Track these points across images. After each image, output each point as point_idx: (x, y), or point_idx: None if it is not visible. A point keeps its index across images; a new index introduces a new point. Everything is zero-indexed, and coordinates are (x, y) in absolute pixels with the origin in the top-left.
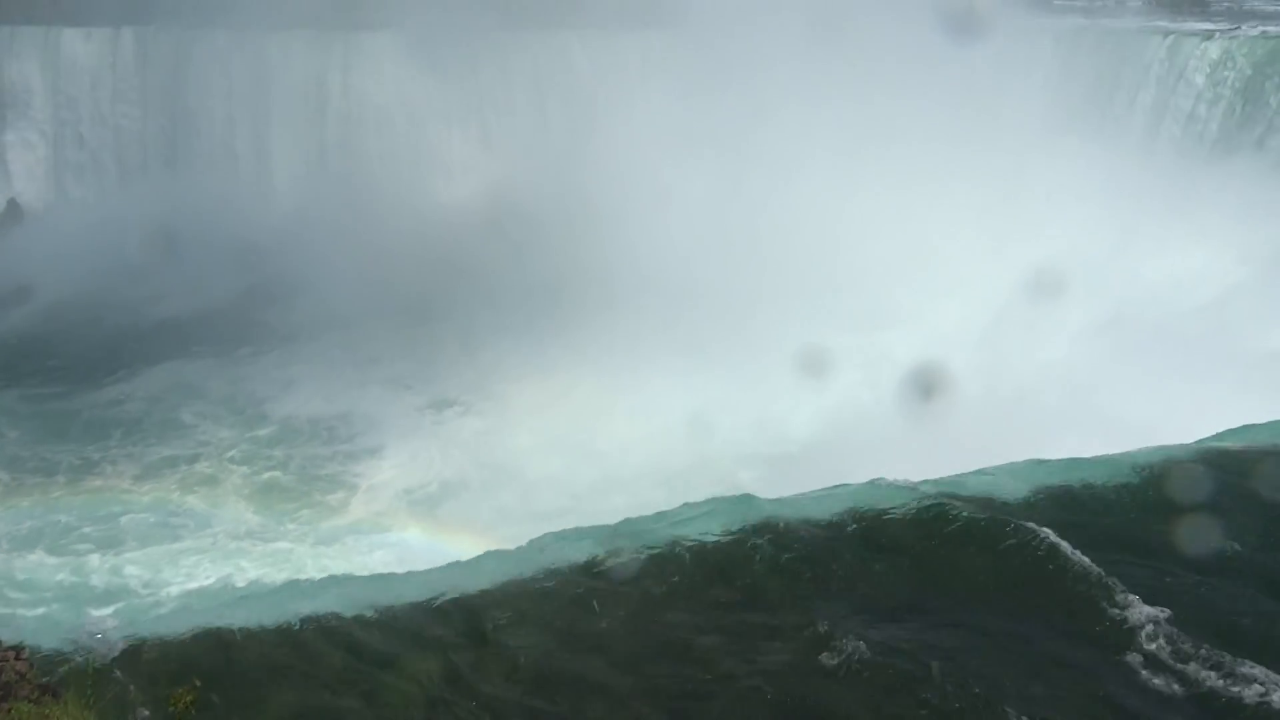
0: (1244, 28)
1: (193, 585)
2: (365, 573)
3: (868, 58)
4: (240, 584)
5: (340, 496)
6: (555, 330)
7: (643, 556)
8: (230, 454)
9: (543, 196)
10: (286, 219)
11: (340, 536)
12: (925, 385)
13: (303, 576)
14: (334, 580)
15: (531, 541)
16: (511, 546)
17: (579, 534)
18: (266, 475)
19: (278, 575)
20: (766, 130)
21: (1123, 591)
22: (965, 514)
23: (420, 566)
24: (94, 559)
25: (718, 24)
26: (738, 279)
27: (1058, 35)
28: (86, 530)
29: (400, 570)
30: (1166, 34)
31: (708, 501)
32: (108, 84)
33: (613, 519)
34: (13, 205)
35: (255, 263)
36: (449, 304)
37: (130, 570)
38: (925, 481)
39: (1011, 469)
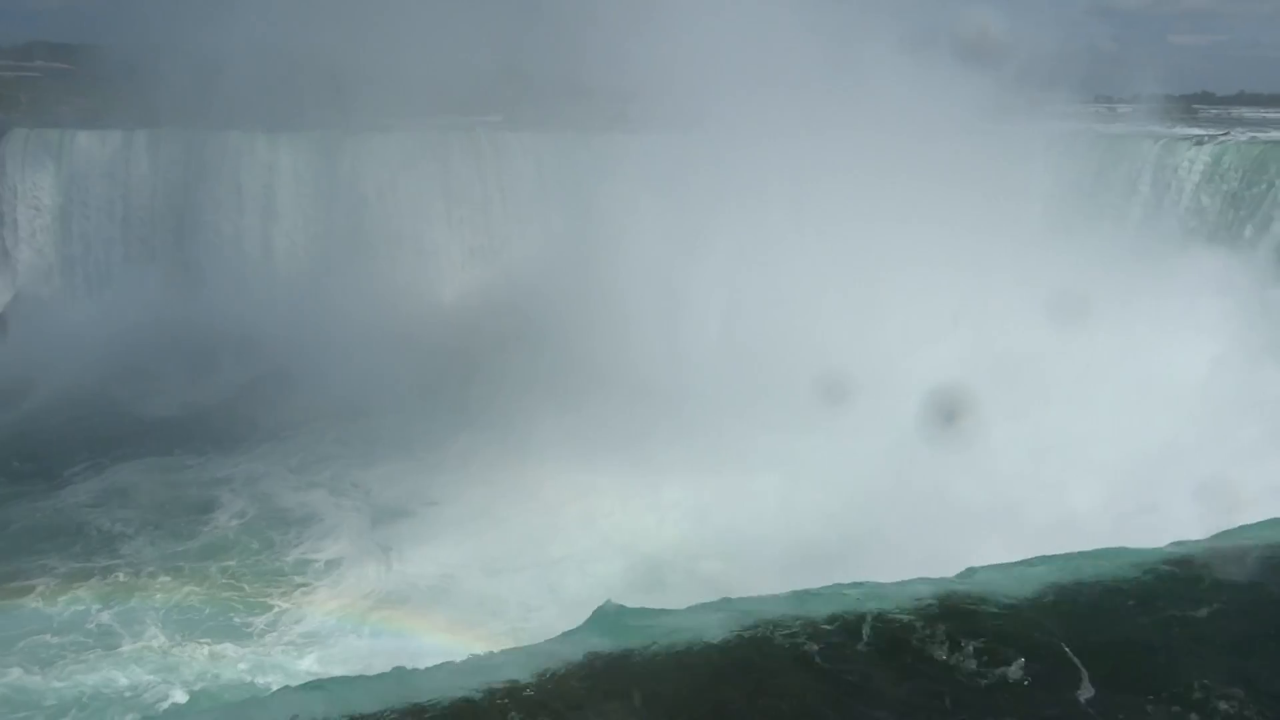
0: (1233, 133)
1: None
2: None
3: (862, 150)
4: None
5: (260, 621)
6: (537, 432)
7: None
8: (150, 567)
9: (543, 294)
10: (289, 315)
11: (237, 662)
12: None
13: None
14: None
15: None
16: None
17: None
18: (186, 589)
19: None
20: (762, 230)
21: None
22: (971, 615)
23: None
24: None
25: (720, 127)
26: (716, 382)
27: (1052, 138)
28: None
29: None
30: (1158, 139)
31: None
32: (120, 184)
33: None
34: (17, 301)
35: (256, 358)
36: (442, 400)
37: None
38: (920, 580)
39: (1005, 568)
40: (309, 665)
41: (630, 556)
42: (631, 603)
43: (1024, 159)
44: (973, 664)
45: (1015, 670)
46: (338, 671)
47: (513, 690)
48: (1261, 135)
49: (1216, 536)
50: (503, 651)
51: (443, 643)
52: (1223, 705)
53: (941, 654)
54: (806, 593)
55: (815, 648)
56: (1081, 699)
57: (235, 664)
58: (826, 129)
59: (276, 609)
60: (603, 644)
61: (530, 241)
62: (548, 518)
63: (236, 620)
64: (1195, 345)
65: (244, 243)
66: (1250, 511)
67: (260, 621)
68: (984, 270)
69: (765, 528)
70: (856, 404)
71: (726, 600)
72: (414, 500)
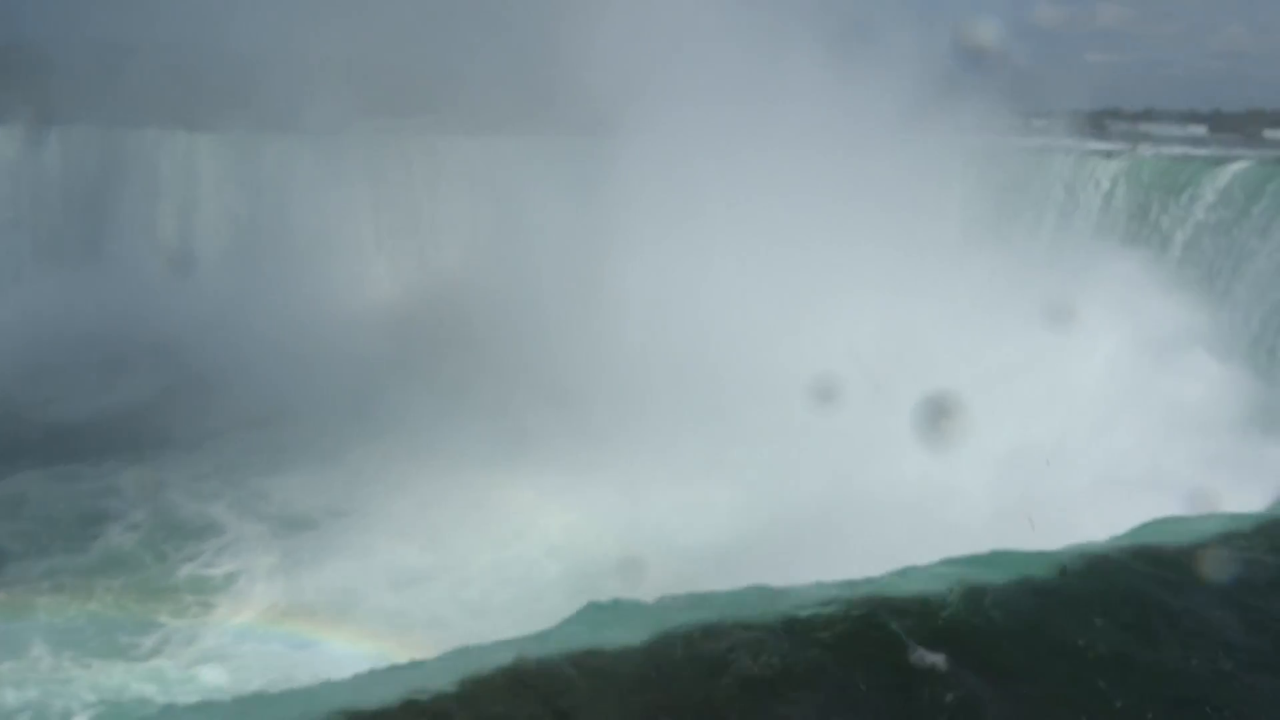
0: (1140, 148)
1: None
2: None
3: (787, 161)
4: None
5: (150, 639)
6: (459, 439)
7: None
8: (34, 583)
9: (468, 299)
10: (208, 318)
11: (126, 682)
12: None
13: None
14: None
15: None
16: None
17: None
18: (73, 607)
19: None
20: (686, 231)
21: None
22: (892, 617)
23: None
24: None
25: (649, 129)
26: (640, 387)
27: (972, 152)
28: None
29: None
30: (1071, 153)
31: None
32: (29, 181)
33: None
34: None
35: (173, 362)
36: (363, 407)
37: None
38: (843, 582)
39: (933, 568)
40: (202, 683)
41: (549, 566)
42: (553, 615)
43: (944, 172)
44: (908, 661)
45: (951, 664)
46: (228, 687)
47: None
48: (1166, 150)
49: (1120, 536)
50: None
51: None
52: (1134, 704)
53: (883, 652)
54: (764, 589)
55: (771, 643)
56: (1002, 698)
57: (124, 684)
58: (753, 137)
59: (168, 625)
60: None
61: (459, 245)
62: (463, 528)
63: (124, 639)
64: (1100, 350)
65: (161, 244)
66: (1147, 509)
67: (150, 640)
68: (902, 278)
69: (693, 534)
70: (779, 409)
71: (691, 595)
72: (323, 511)
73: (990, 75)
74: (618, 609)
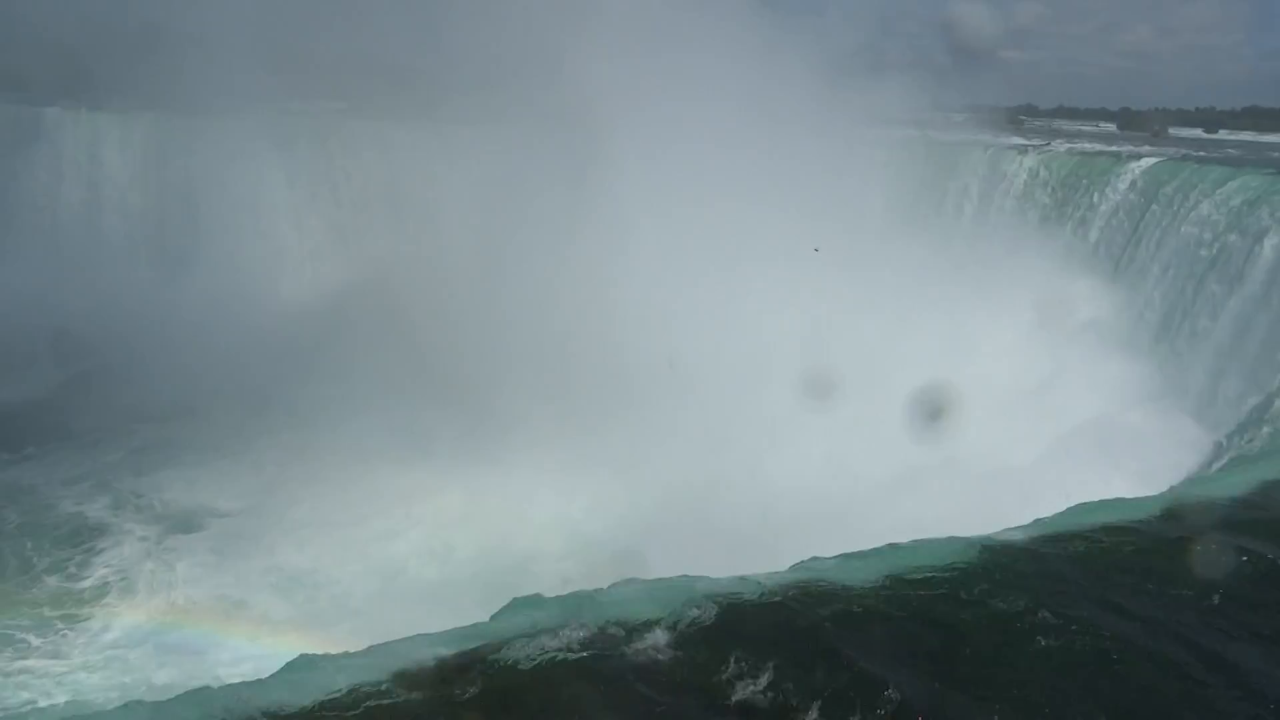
0: (1053, 144)
1: None
2: None
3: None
4: None
5: (14, 648)
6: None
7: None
8: None
9: (385, 290)
10: (115, 307)
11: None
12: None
13: None
14: None
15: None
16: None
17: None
18: None
19: None
20: (609, 220)
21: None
22: (825, 602)
23: None
24: None
25: (573, 120)
26: (544, 380)
27: (894, 145)
28: None
29: None
30: (987, 147)
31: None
32: None
33: None
34: None
35: (78, 353)
36: (272, 402)
37: None
38: (765, 573)
39: (866, 554)
40: (84, 686)
41: (439, 567)
42: (461, 611)
43: (868, 164)
44: (819, 653)
45: (863, 657)
46: (113, 690)
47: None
48: (1077, 146)
49: (1032, 523)
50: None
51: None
52: (1053, 683)
53: (806, 640)
54: (685, 580)
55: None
56: (920, 682)
57: None
58: (681, 130)
59: (43, 628)
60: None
61: (376, 236)
62: (360, 525)
63: None
64: (1012, 340)
65: (67, 228)
66: (1052, 496)
67: (19, 645)
68: (823, 270)
69: (591, 525)
70: (696, 400)
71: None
72: (209, 510)
73: (912, 71)
74: (539, 603)
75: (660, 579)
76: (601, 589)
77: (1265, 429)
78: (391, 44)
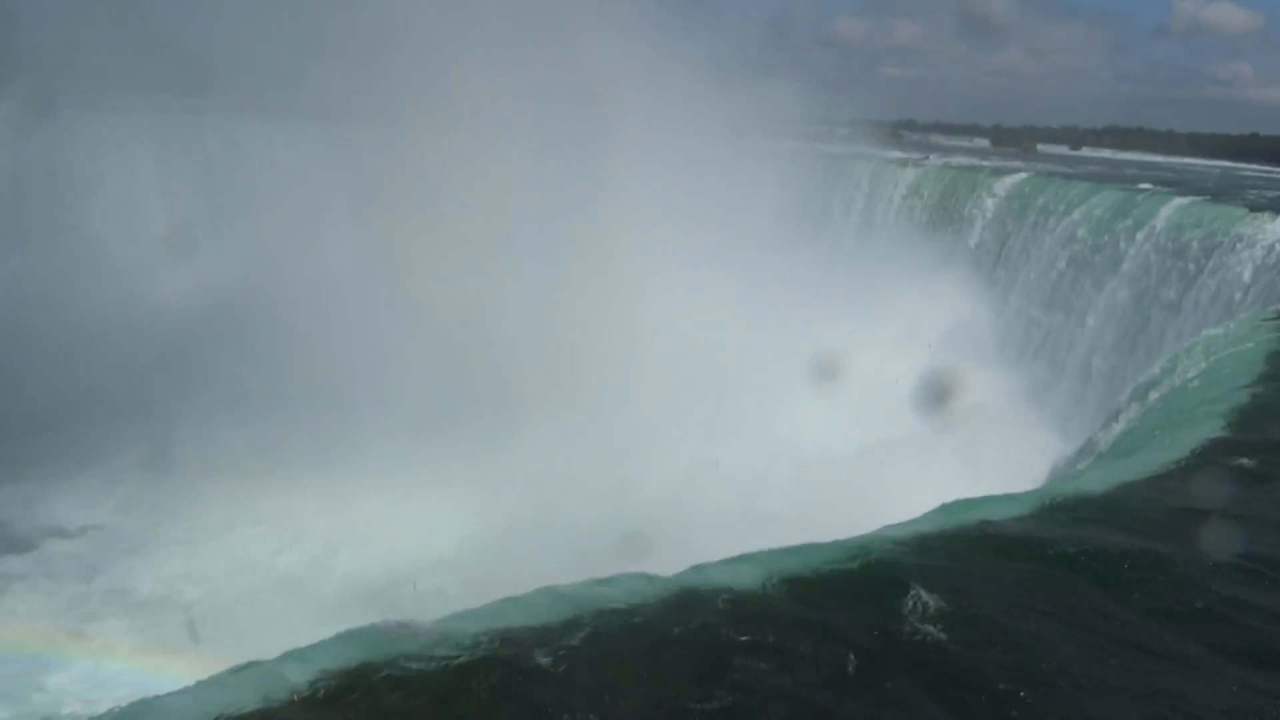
0: (931, 158)
1: None
2: None
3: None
4: None
5: None
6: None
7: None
8: None
9: (259, 296)
10: None
11: None
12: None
13: None
14: None
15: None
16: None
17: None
18: None
19: None
20: (493, 229)
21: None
22: (711, 606)
23: None
24: None
25: (457, 125)
26: (411, 392)
27: (781, 155)
28: None
29: None
30: (869, 159)
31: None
32: None
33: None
34: None
35: None
36: (137, 411)
37: None
38: (644, 577)
39: (750, 558)
40: None
41: (301, 588)
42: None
43: (757, 174)
44: (716, 653)
45: (760, 653)
46: None
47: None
48: (953, 160)
49: (914, 520)
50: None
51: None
52: (945, 683)
53: (692, 646)
54: (535, 594)
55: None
56: (806, 693)
57: None
58: (567, 135)
59: None
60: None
61: (251, 238)
62: (210, 543)
63: None
64: (890, 346)
65: None
66: (922, 495)
67: None
68: (715, 276)
69: (461, 539)
70: (573, 407)
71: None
72: (54, 529)
73: (798, 85)
74: (404, 626)
75: (537, 590)
76: (473, 608)
77: (1125, 426)
78: (278, 42)
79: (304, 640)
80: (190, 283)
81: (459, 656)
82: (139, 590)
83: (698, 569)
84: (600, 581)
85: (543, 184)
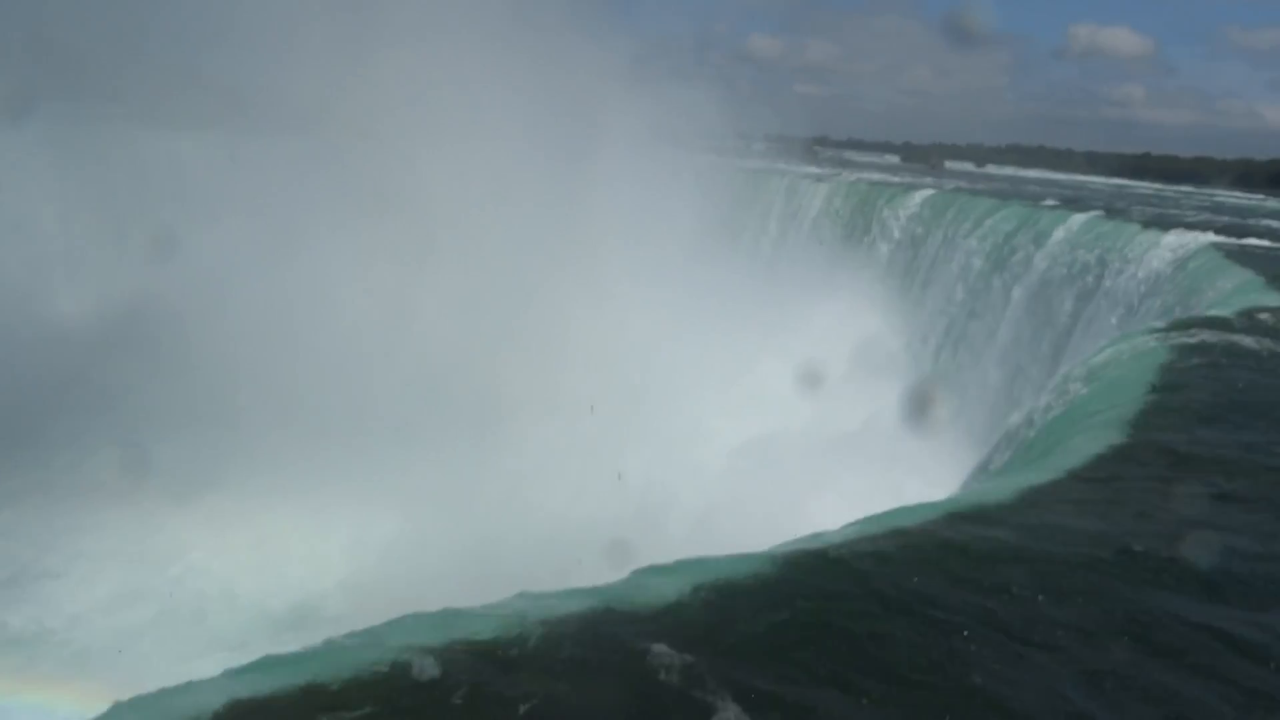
0: (844, 173)
1: None
2: None
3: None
4: None
5: None
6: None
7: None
8: None
9: (159, 310)
10: None
11: None
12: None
13: None
14: None
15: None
16: None
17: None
18: None
19: None
20: (397, 243)
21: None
22: (625, 619)
23: None
24: None
25: (367, 130)
26: (339, 408)
27: (699, 170)
28: None
29: None
30: (785, 175)
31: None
32: None
33: None
34: None
35: None
36: (18, 436)
37: None
38: (563, 591)
39: (675, 567)
40: None
41: (193, 618)
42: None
43: (674, 188)
44: (644, 664)
45: (687, 665)
46: None
47: None
48: (865, 176)
49: (824, 535)
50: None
51: None
52: (872, 688)
53: (620, 659)
54: (443, 614)
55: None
56: (741, 694)
57: None
58: (477, 146)
59: None
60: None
61: (154, 253)
62: (108, 570)
63: None
64: (802, 358)
65: None
66: (836, 506)
67: None
68: (635, 289)
69: (360, 562)
70: (484, 426)
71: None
72: None
73: (715, 100)
74: (299, 659)
75: (444, 610)
76: (377, 625)
77: (1030, 435)
78: (183, 50)
79: (202, 672)
80: (90, 299)
81: (367, 678)
82: (10, 625)
83: (618, 582)
84: (521, 595)
85: (466, 195)
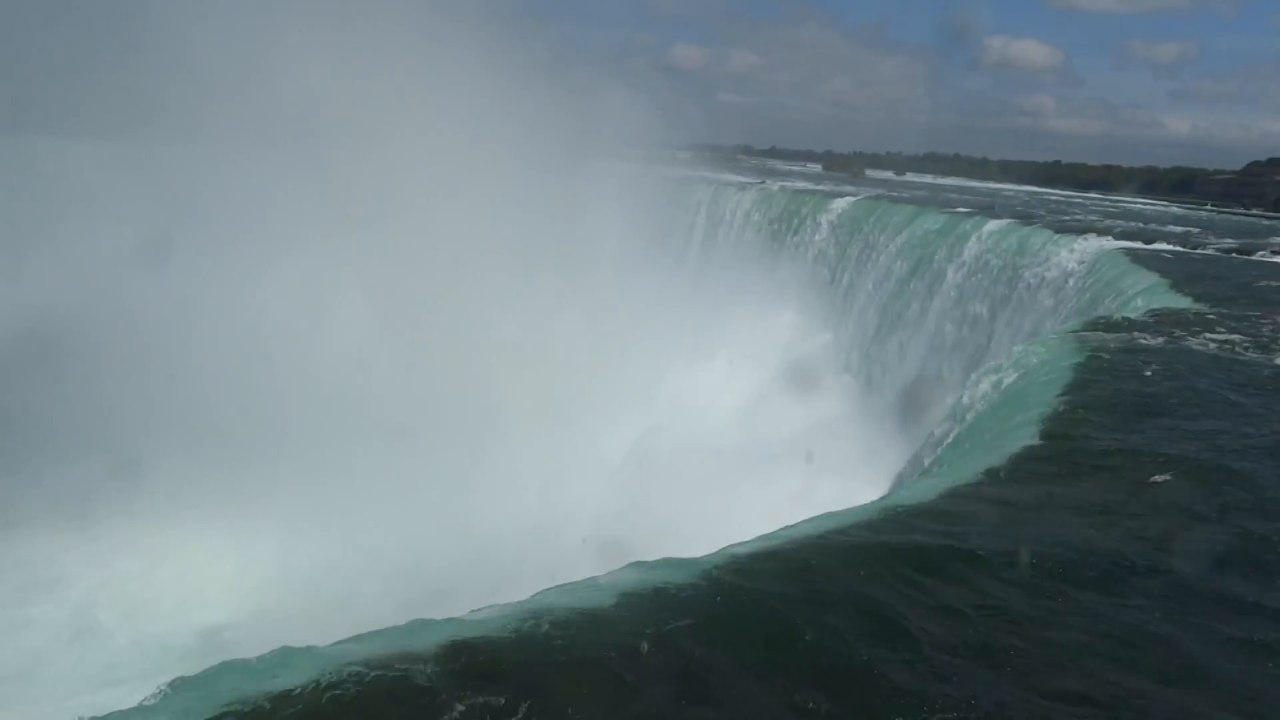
0: (767, 182)
1: None
2: None
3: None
4: None
5: None
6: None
7: None
8: None
9: (70, 324)
10: None
11: None
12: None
13: None
14: None
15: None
16: None
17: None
18: None
19: None
20: (318, 254)
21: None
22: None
23: None
24: None
25: (277, 136)
26: (265, 423)
27: (625, 179)
28: None
29: None
30: (710, 183)
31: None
32: None
33: None
34: None
35: None
36: None
37: None
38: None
39: (612, 576)
40: None
41: (89, 649)
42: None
43: (600, 196)
44: (555, 688)
45: (598, 686)
46: None
47: None
48: (789, 184)
49: (754, 540)
50: None
51: None
52: (795, 695)
53: (538, 671)
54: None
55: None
56: (665, 705)
57: None
58: (398, 156)
59: None
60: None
61: (63, 260)
62: (21, 595)
63: None
64: (728, 366)
65: None
66: (760, 511)
67: None
68: (562, 297)
69: (310, 590)
70: (404, 441)
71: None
72: None
73: (639, 110)
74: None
75: (377, 630)
76: (316, 646)
77: (951, 437)
78: (62, 56)
79: (104, 703)
80: None
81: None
82: None
83: (540, 594)
84: (474, 613)
85: (380, 201)
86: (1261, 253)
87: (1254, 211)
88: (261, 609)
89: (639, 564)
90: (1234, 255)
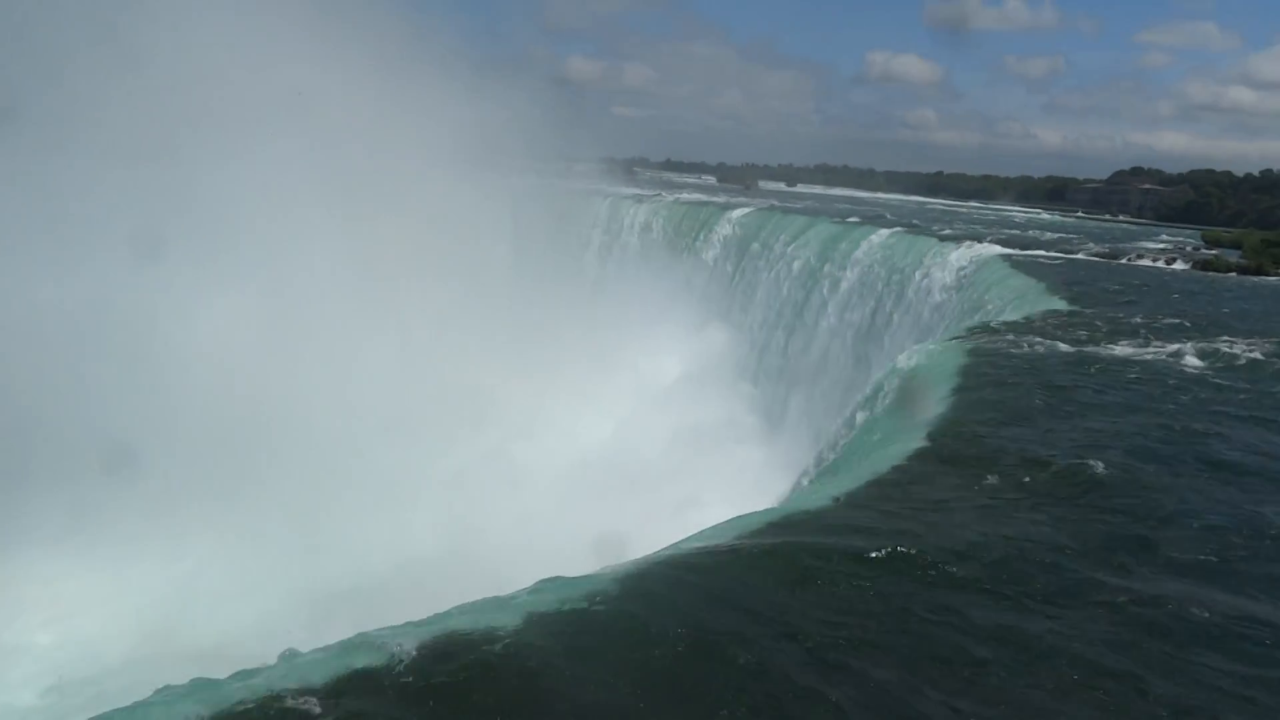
0: (663, 194)
1: None
2: None
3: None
4: None
5: None
6: None
7: None
8: None
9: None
10: None
11: None
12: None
13: None
14: None
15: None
16: None
17: None
18: None
19: None
20: (203, 269)
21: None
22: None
23: None
24: None
25: (156, 149)
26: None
27: (519, 192)
28: None
29: None
30: (606, 196)
31: None
32: None
33: None
34: None
35: None
36: None
37: None
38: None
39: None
40: None
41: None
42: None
43: (495, 210)
44: (488, 690)
45: (530, 690)
46: None
47: None
48: (684, 196)
49: (666, 549)
50: None
51: None
52: (723, 701)
53: (462, 689)
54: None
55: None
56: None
57: None
58: (295, 176)
59: None
60: None
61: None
62: None
63: None
64: (626, 381)
65: None
66: (667, 516)
67: None
68: (453, 311)
69: (198, 614)
70: (318, 459)
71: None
72: None
73: (535, 122)
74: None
75: (292, 653)
76: (262, 667)
77: (846, 442)
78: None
79: None
80: None
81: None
82: None
83: (443, 615)
84: (394, 628)
85: (254, 227)
86: (1127, 257)
87: (1120, 218)
88: (146, 633)
89: (553, 579)
90: (1102, 260)
